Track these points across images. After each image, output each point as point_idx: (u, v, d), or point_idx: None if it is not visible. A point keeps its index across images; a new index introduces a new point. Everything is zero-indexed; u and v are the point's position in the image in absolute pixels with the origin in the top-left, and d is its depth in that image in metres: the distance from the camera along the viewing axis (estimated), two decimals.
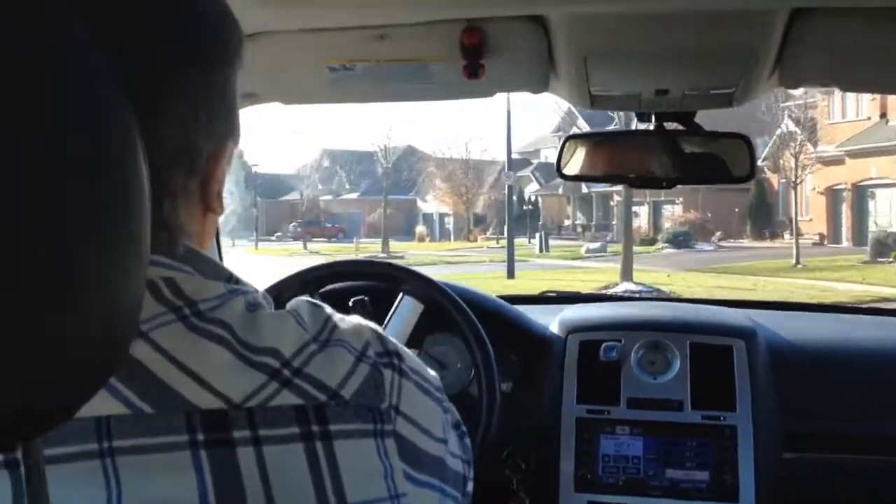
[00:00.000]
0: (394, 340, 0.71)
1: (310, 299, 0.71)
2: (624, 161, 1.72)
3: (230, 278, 0.67)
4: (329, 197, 51.92)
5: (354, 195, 51.42)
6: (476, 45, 1.28)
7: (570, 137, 1.69)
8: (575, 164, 1.71)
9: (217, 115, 0.67)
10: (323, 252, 30.28)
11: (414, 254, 30.69)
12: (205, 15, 0.66)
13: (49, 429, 0.49)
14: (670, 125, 1.61)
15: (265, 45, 1.29)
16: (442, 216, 47.76)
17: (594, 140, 1.72)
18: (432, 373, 0.75)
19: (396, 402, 0.66)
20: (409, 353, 0.73)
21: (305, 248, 35.64)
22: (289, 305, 0.69)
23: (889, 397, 1.85)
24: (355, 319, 0.70)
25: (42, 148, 0.43)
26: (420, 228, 46.67)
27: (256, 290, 0.68)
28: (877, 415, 1.83)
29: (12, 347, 0.43)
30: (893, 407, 1.83)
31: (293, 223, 46.71)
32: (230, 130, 0.69)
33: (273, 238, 45.96)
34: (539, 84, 1.45)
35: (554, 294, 2.57)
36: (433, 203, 46.17)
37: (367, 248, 34.08)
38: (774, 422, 1.81)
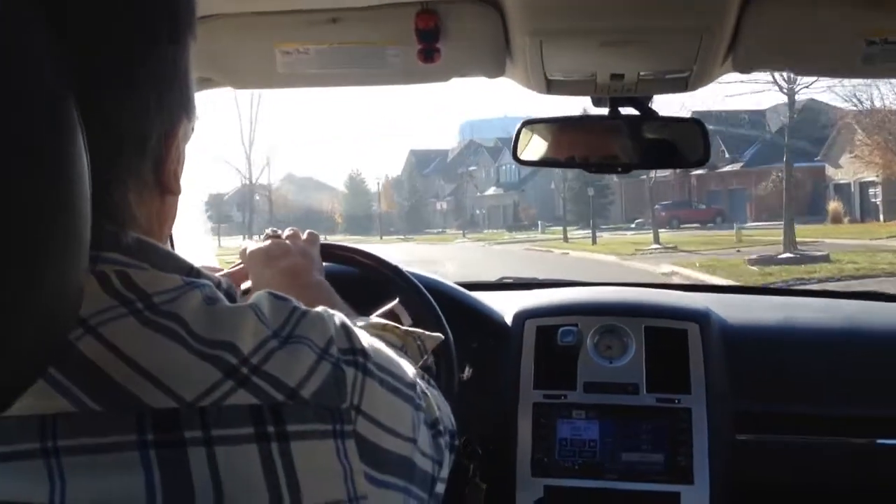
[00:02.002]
0: (363, 336, 0.69)
1: (273, 292, 0.68)
2: (581, 146, 1.72)
3: (190, 271, 0.64)
4: (701, 171, 39.84)
5: (737, 166, 40.36)
6: (431, 29, 1.27)
7: (526, 123, 1.68)
8: (532, 149, 1.71)
9: (168, 92, 0.65)
10: (684, 243, 23.57)
11: (844, 245, 19.94)
12: None
13: None
14: (626, 110, 1.61)
15: (216, 28, 1.26)
16: (864, 186, 34.51)
17: (551, 125, 1.72)
18: (407, 368, 0.73)
19: (358, 402, 0.64)
20: (380, 349, 0.70)
21: (656, 240, 25.48)
22: (251, 298, 0.66)
23: (838, 378, 1.88)
24: (323, 312, 0.68)
25: None
26: (834, 205, 34.30)
27: (220, 282, 0.66)
28: (827, 396, 1.86)
29: None
30: (843, 388, 1.86)
31: (658, 205, 36.96)
32: (184, 108, 0.67)
33: (632, 226, 39.89)
34: (495, 68, 1.44)
35: (511, 280, 2.57)
36: (849, 168, 33.50)
37: (753, 238, 23.77)
38: (728, 404, 1.84)
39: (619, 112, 1.59)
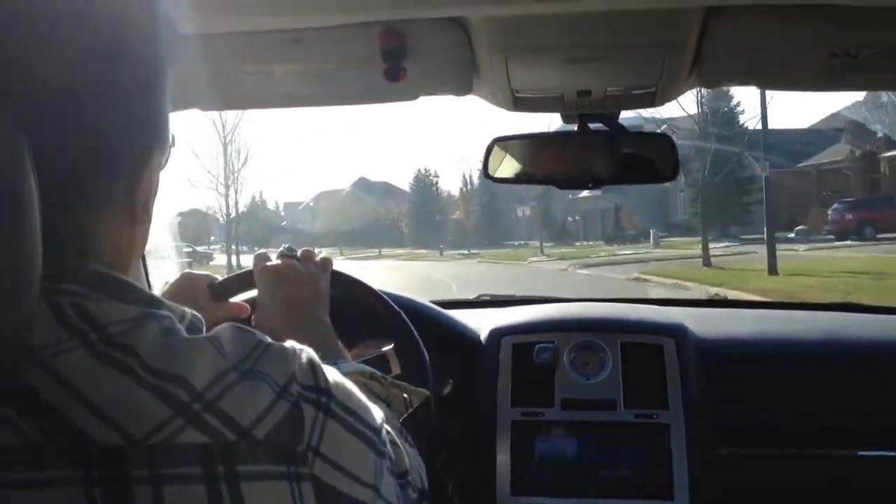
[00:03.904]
0: (331, 374, 0.67)
1: (237, 325, 0.66)
2: (552, 162, 1.72)
3: (151, 302, 0.63)
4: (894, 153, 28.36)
5: None
6: (395, 48, 1.27)
7: (496, 140, 1.68)
8: (504, 167, 1.71)
9: (138, 118, 0.64)
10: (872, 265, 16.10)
11: None
12: (127, 11, 0.63)
13: None
14: (596, 126, 1.62)
15: (179, 51, 1.25)
16: None
17: (521, 142, 1.72)
18: (375, 411, 0.71)
19: (316, 444, 0.62)
20: (348, 390, 0.68)
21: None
22: (214, 330, 0.65)
23: (817, 390, 1.88)
24: (289, 347, 0.66)
25: None
26: None
27: (183, 314, 0.65)
28: (808, 408, 1.86)
29: None
30: (822, 399, 1.86)
31: (837, 205, 26.39)
32: (156, 137, 0.66)
33: (791, 235, 27.14)
34: (462, 86, 1.44)
35: (488, 298, 2.57)
36: None
37: None
38: (707, 418, 1.83)
39: (588, 128, 1.60)
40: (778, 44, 1.29)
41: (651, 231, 34.34)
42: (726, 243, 25.33)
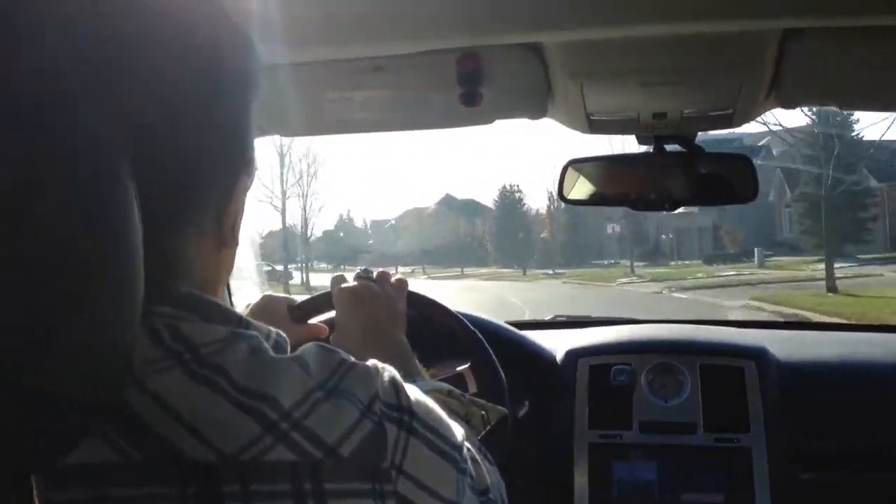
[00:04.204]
0: (413, 392, 0.68)
1: (322, 344, 0.68)
2: (627, 184, 1.72)
3: (239, 322, 0.65)
4: None
5: None
6: (472, 73, 1.29)
7: (571, 162, 1.69)
8: (579, 188, 1.71)
9: (231, 144, 0.66)
10: None
11: None
12: (219, 41, 0.65)
13: (37, 469, 0.50)
14: (672, 147, 1.61)
15: (266, 78, 1.30)
16: None
17: (596, 164, 1.72)
18: (456, 429, 0.71)
19: (400, 462, 0.63)
20: (430, 408, 0.69)
21: None
22: (299, 350, 0.66)
23: None
24: (371, 367, 0.67)
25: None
26: None
27: (269, 333, 0.66)
28: (890, 432, 1.80)
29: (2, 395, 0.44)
30: None
31: None
32: (244, 162, 0.68)
33: None
34: (537, 110, 1.45)
35: (564, 318, 2.56)
36: None
37: None
38: (789, 442, 1.79)
39: (664, 149, 1.59)
40: (857, 64, 1.27)
41: (756, 250, 31.40)
42: (842, 263, 21.47)
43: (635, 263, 34.51)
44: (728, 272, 27.03)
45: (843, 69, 1.28)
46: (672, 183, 1.65)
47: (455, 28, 1.18)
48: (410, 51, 1.25)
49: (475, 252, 53.58)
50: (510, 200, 54.38)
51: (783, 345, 1.98)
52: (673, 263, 38.34)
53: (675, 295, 19.99)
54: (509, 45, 1.28)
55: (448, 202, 66.41)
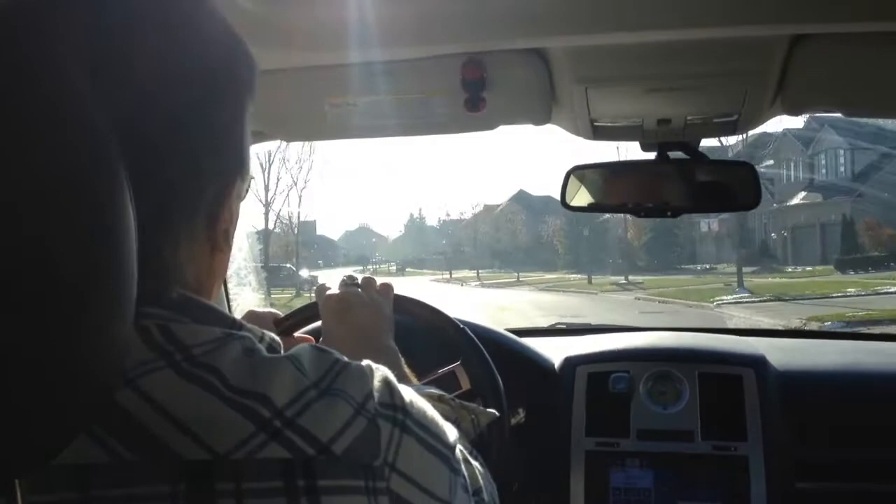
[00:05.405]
0: (406, 392, 0.68)
1: (316, 345, 0.68)
2: (629, 191, 1.71)
3: (232, 324, 0.65)
4: None
5: None
6: (476, 79, 1.29)
7: (574, 169, 1.68)
8: (581, 195, 1.71)
9: (224, 150, 0.66)
10: None
11: None
12: (214, 45, 0.65)
13: (26, 472, 0.49)
14: (675, 154, 1.61)
15: (267, 82, 1.29)
16: None
17: (599, 171, 1.72)
18: (448, 429, 0.72)
19: (393, 459, 0.63)
20: (422, 407, 0.69)
21: None
22: (292, 350, 0.66)
23: None
24: (365, 366, 0.67)
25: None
26: None
27: (262, 336, 0.67)
28: (891, 443, 1.80)
29: None
30: None
31: None
32: (238, 168, 0.68)
33: None
34: (541, 116, 1.45)
35: (563, 326, 2.56)
36: None
37: None
38: (786, 451, 1.79)
39: (667, 156, 1.59)
40: (864, 71, 1.27)
41: None
42: None
43: (739, 269, 25.33)
44: (885, 283, 19.08)
45: (850, 76, 1.27)
46: (674, 190, 1.65)
47: (460, 33, 1.18)
48: (415, 56, 1.24)
49: (547, 254, 49.21)
50: None
51: (782, 353, 1.98)
52: (790, 270, 30.04)
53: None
54: (514, 50, 1.27)
55: (521, 199, 62.20)
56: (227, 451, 0.58)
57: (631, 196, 1.70)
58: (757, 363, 1.88)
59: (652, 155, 1.61)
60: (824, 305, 17.14)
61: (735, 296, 20.70)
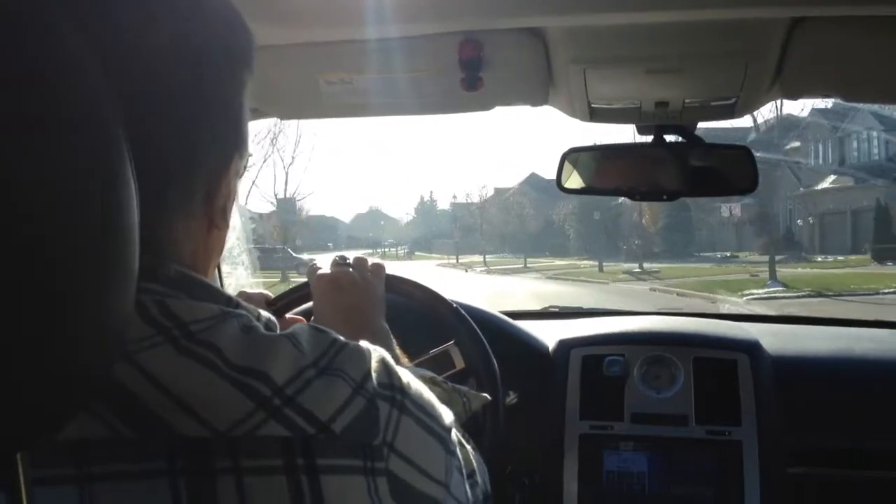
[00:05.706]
0: (403, 373, 0.68)
1: (314, 325, 0.68)
2: (626, 174, 1.71)
3: (229, 301, 0.65)
4: None
5: None
6: (473, 58, 1.28)
7: (570, 151, 1.68)
8: (576, 177, 1.70)
9: (221, 129, 0.66)
10: None
11: None
12: (212, 21, 0.65)
13: (28, 446, 0.49)
14: (671, 138, 1.60)
15: (262, 59, 1.28)
16: None
17: (595, 153, 1.71)
18: (444, 412, 0.72)
19: (391, 439, 0.63)
20: (419, 388, 0.69)
21: None
22: (290, 329, 0.66)
23: (891, 411, 1.82)
24: (363, 346, 0.67)
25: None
26: None
27: (258, 314, 0.67)
28: (883, 430, 1.81)
29: None
30: None
31: None
32: (236, 145, 0.68)
33: None
34: (538, 96, 1.44)
35: (557, 309, 2.55)
36: None
37: None
38: (780, 436, 1.79)
39: (664, 139, 1.58)
40: (863, 55, 1.26)
41: None
42: None
43: (761, 259, 22.36)
44: None
45: (849, 59, 1.27)
46: (671, 173, 1.64)
47: (457, 12, 1.17)
48: (412, 34, 1.23)
49: (558, 239, 47.38)
50: None
51: (777, 338, 1.98)
52: (820, 259, 27.23)
53: None
54: (511, 29, 1.26)
55: (533, 182, 60.11)
56: (227, 428, 0.57)
57: (626, 179, 1.70)
58: (751, 348, 1.88)
59: (649, 138, 1.60)
60: (877, 304, 14.66)
61: (767, 290, 18.10)
